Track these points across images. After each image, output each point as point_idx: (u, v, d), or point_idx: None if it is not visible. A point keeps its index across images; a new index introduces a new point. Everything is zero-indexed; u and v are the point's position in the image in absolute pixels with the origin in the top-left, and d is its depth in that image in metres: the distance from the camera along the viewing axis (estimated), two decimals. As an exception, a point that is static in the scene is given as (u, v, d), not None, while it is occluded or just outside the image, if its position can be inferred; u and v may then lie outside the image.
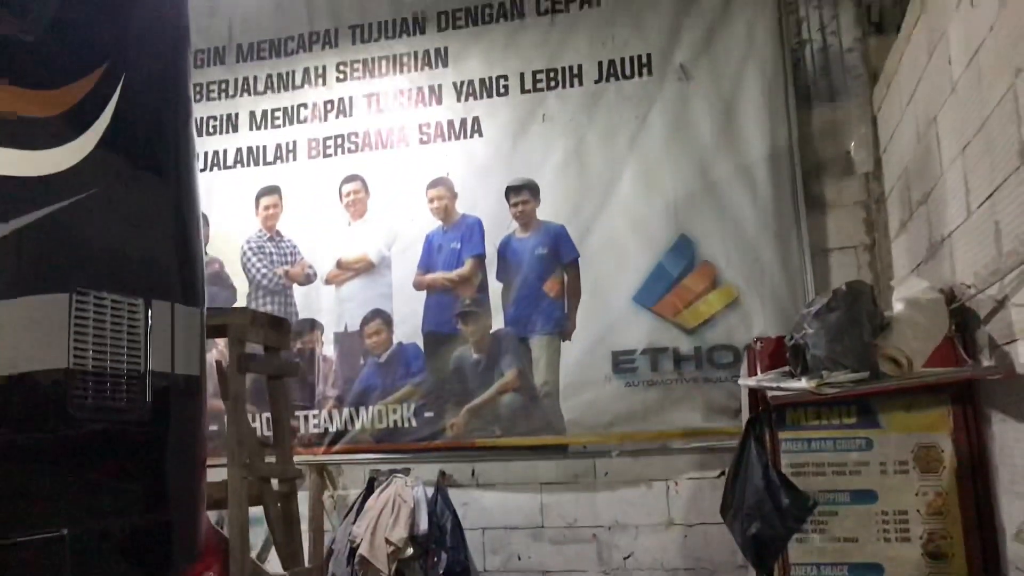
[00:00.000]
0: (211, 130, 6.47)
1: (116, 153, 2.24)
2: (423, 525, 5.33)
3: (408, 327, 5.87)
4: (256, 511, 4.17)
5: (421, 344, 5.83)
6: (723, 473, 4.81)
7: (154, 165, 2.45)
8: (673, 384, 5.41)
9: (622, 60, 5.77)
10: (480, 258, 5.81)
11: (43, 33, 2.06)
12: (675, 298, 5.48)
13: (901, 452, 3.50)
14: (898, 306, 3.45)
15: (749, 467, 3.57)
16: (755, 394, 3.72)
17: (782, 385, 3.37)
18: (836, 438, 3.57)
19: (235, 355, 3.74)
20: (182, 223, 2.53)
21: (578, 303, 5.62)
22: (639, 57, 5.75)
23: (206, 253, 6.26)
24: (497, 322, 5.73)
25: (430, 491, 5.53)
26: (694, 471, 5.40)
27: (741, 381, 3.94)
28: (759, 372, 3.80)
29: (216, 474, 4.11)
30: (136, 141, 2.35)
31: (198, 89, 6.51)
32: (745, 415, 3.93)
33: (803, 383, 3.25)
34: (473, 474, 5.73)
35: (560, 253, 5.69)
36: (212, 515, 4.82)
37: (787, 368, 3.54)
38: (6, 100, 1.96)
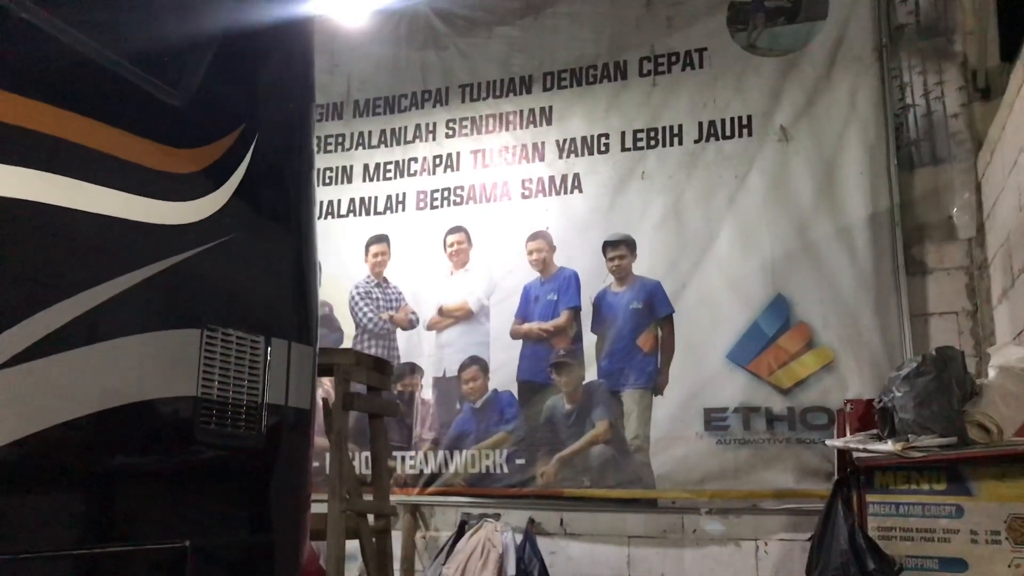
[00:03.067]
0: (327, 180, 6.85)
1: (247, 204, 2.49)
2: (511, 571, 5.42)
3: (503, 375, 6.04)
4: (352, 548, 4.37)
5: (515, 392, 5.99)
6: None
7: (279, 214, 2.70)
8: (765, 444, 5.39)
9: (722, 121, 5.88)
10: (576, 310, 5.94)
11: (190, 99, 2.34)
12: (770, 357, 5.48)
13: (993, 522, 3.45)
14: (991, 373, 3.43)
15: (836, 529, 3.58)
16: (843, 455, 3.73)
17: (868, 447, 3.39)
18: (925, 503, 3.54)
19: (340, 393, 3.97)
20: (301, 267, 2.77)
21: (671, 358, 5.69)
22: (739, 118, 5.84)
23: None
24: (590, 374, 5.84)
25: (519, 538, 5.62)
26: (785, 532, 5.35)
27: (829, 442, 3.95)
28: (848, 434, 3.81)
29: (316, 509, 4.34)
30: (264, 193, 2.61)
31: (316, 142, 6.88)
32: (837, 478, 3.90)
33: (889, 446, 3.26)
34: (561, 523, 5.82)
35: (655, 308, 5.77)
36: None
37: (875, 431, 3.55)
38: (156, 158, 2.23)
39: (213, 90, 2.43)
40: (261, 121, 2.62)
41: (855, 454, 3.44)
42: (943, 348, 3.46)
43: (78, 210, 1.98)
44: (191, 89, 2.36)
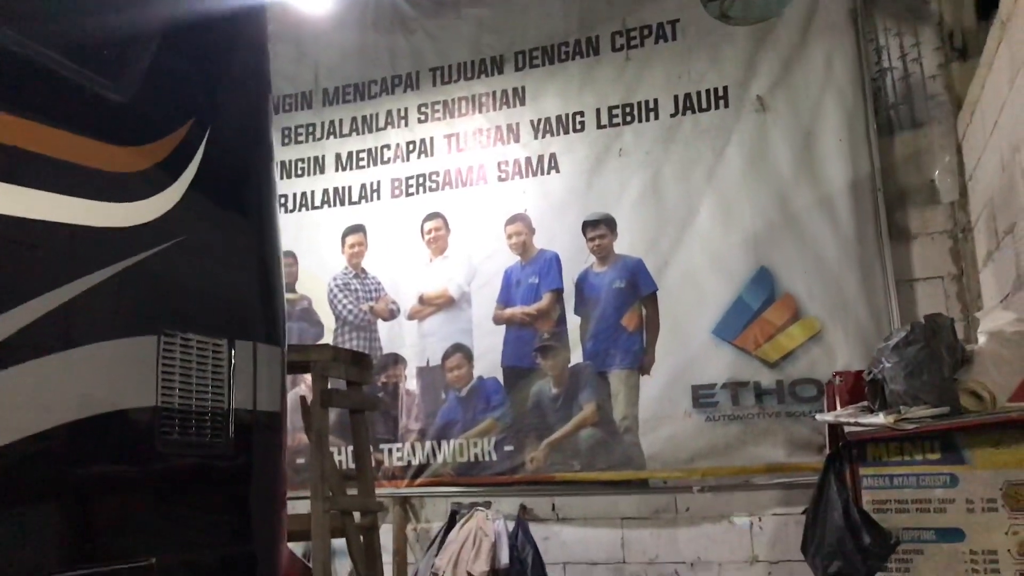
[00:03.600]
0: (299, 172, 6.71)
1: (202, 201, 2.37)
2: (504, 559, 5.36)
3: (488, 361, 5.95)
4: (341, 544, 4.28)
5: (501, 378, 5.90)
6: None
7: (238, 210, 2.58)
8: (755, 418, 5.33)
9: (698, 93, 5.78)
10: (558, 292, 5.85)
11: (134, 93, 2.22)
12: (756, 331, 5.41)
13: (989, 489, 3.37)
14: (981, 339, 3.36)
15: (829, 504, 3.50)
16: (834, 429, 3.66)
17: (860, 420, 3.31)
18: (919, 474, 3.46)
19: (318, 390, 3.86)
20: (264, 264, 2.66)
21: (657, 337, 5.60)
22: (715, 90, 5.74)
23: (295, 291, 6.49)
24: (576, 356, 5.75)
25: (511, 525, 5.56)
26: (778, 507, 5.29)
27: (820, 416, 3.88)
28: (838, 407, 3.73)
29: (300, 507, 4.26)
30: (220, 188, 2.49)
31: (286, 133, 6.78)
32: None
33: (881, 419, 3.19)
34: (553, 508, 5.74)
35: (638, 286, 5.69)
36: (298, 547, 4.96)
37: (866, 403, 3.48)
38: (100, 157, 2.11)
39: (159, 83, 2.31)
40: (214, 113, 2.50)
41: (846, 428, 3.37)
42: (932, 316, 3.38)
43: (16, 216, 1.86)
44: (135, 83, 2.24)
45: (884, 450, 3.56)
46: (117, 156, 2.15)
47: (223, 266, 2.46)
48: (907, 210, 5.39)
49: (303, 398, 4.11)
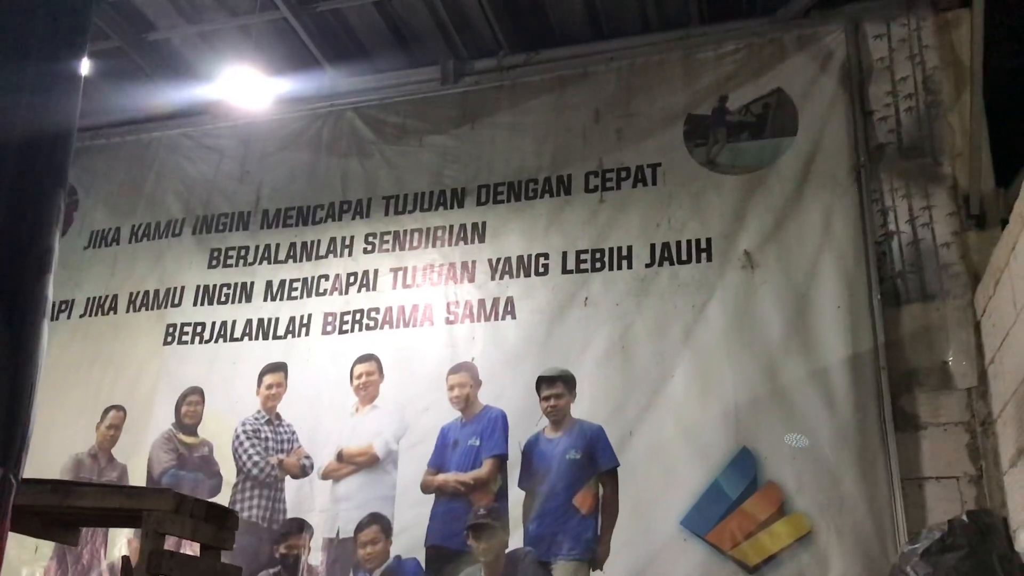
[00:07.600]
0: (223, 299, 5.94)
1: None
2: None
3: (409, 537, 5.01)
4: None
5: (423, 560, 4.97)
6: None
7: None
8: (728, 636, 4.40)
9: (678, 243, 5.17)
10: (501, 459, 5.02)
11: None
12: (733, 525, 4.61)
13: None
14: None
15: None
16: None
17: (879, 656, 2.36)
18: None
19: (146, 553, 2.85)
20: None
21: (614, 523, 4.77)
22: (697, 241, 5.15)
23: (196, 434, 5.59)
24: (515, 539, 4.87)
25: None
26: None
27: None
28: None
29: None
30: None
31: (215, 254, 6.06)
32: None
33: (913, 656, 2.24)
34: None
35: (596, 459, 4.89)
36: None
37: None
38: None
39: None
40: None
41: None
42: (976, 513, 2.50)
43: None
44: None
45: None
46: None
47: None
48: (915, 395, 4.70)
49: (126, 559, 3.08)
